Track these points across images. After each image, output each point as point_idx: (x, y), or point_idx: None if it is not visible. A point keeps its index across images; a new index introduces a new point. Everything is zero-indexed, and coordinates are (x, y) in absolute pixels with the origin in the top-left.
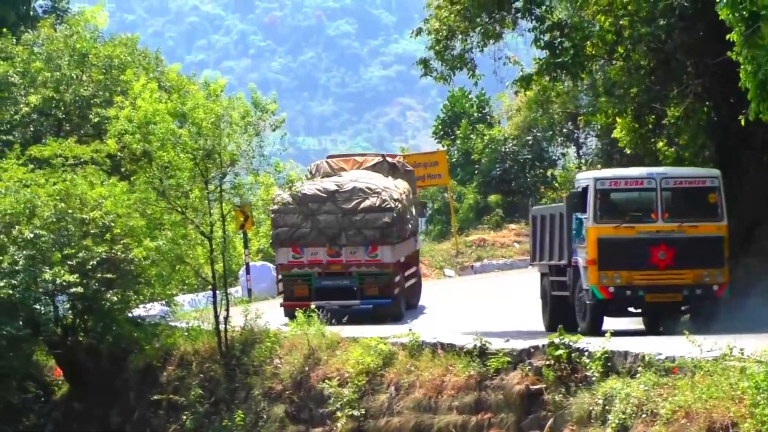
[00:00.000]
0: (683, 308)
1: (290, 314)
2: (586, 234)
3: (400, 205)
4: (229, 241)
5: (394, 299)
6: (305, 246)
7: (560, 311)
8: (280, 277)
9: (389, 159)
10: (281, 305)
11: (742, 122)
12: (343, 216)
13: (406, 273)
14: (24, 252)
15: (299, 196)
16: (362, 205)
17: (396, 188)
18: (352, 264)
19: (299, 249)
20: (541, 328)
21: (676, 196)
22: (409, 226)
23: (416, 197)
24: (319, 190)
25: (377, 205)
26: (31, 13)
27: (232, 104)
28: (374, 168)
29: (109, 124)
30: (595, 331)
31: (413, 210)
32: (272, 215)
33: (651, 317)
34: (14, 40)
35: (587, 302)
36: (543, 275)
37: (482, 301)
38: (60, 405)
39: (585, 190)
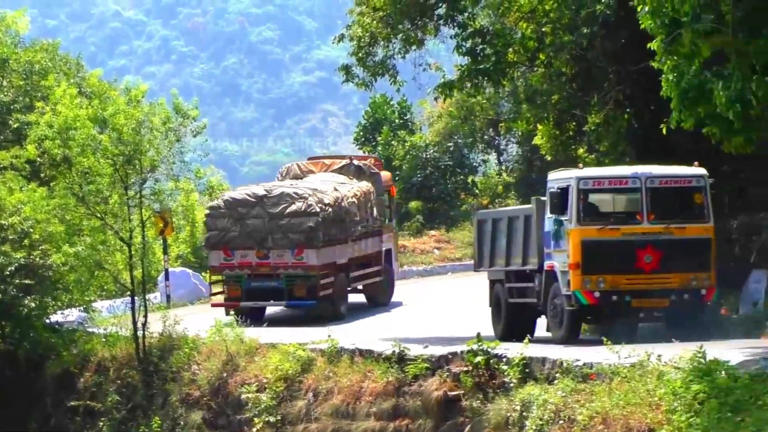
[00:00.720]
0: (656, 314)
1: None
2: (568, 236)
3: (330, 210)
4: (149, 247)
5: (319, 300)
6: (235, 249)
7: (518, 319)
8: (213, 278)
9: (356, 162)
10: (212, 305)
11: (664, 131)
12: (270, 220)
13: (357, 273)
14: None
15: (230, 201)
16: (288, 210)
17: (335, 192)
18: (280, 266)
19: (230, 252)
20: (484, 333)
21: (661, 197)
22: (359, 227)
23: (382, 198)
24: (248, 195)
25: (302, 209)
26: None
27: (153, 110)
28: (341, 170)
29: (29, 129)
30: (574, 338)
31: (374, 210)
32: (205, 219)
33: (633, 323)
34: None
35: (566, 308)
36: (494, 282)
37: (425, 306)
38: None
39: (564, 190)
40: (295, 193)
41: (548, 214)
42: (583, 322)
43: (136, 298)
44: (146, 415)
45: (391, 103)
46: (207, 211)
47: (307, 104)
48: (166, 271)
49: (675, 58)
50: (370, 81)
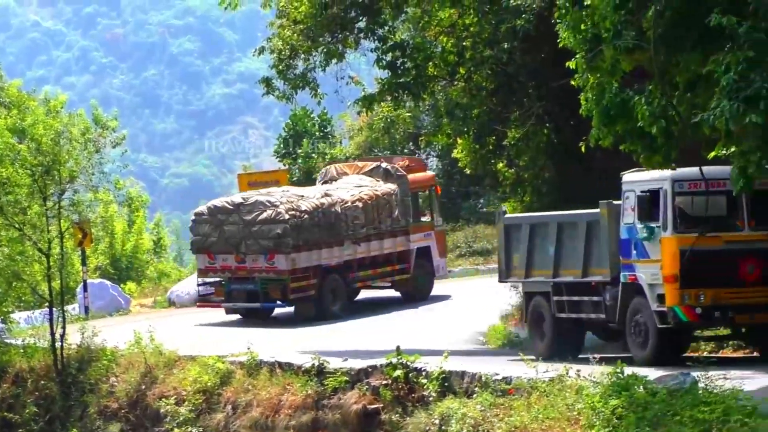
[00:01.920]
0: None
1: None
2: (661, 245)
3: (306, 216)
4: (67, 258)
5: (294, 302)
6: (217, 253)
7: (568, 336)
8: (200, 281)
9: (383, 165)
10: (197, 305)
11: (582, 147)
12: (244, 227)
13: (368, 272)
14: None
15: (212, 208)
16: (260, 217)
17: (324, 198)
18: (255, 270)
19: (213, 256)
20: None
21: (763, 200)
22: (365, 229)
23: (407, 199)
24: (227, 202)
25: (272, 217)
26: None
27: (72, 120)
28: (370, 173)
29: None
30: (664, 360)
31: (394, 211)
32: (190, 224)
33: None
34: None
35: (658, 326)
36: (532, 294)
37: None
38: None
39: (655, 193)
40: (268, 202)
41: (631, 221)
42: (677, 342)
43: (54, 309)
44: (64, 426)
45: (312, 115)
46: (192, 217)
47: (227, 116)
48: (85, 282)
49: (597, 74)
50: (291, 94)
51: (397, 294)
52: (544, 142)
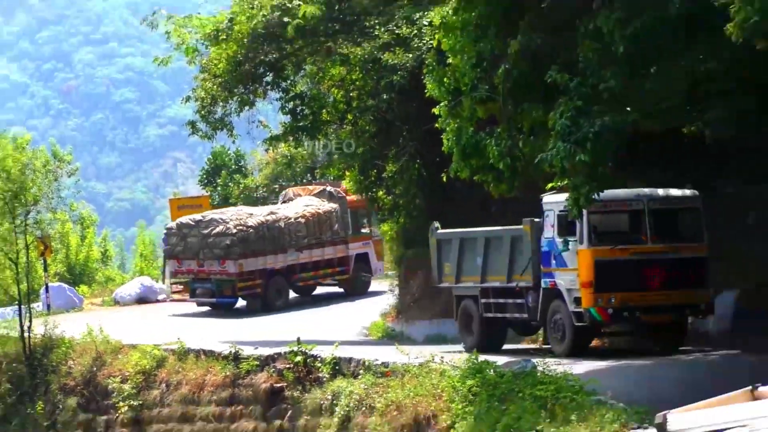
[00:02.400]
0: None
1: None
2: (578, 256)
3: (252, 230)
4: (32, 266)
5: (243, 298)
6: (183, 259)
7: (492, 332)
8: (172, 280)
9: (328, 188)
10: (170, 300)
11: (444, 178)
12: (201, 239)
13: (309, 273)
14: None
15: (180, 224)
16: (213, 231)
17: (269, 215)
18: (211, 273)
19: (180, 261)
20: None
21: (661, 217)
22: (306, 240)
23: (346, 216)
24: (190, 220)
25: (222, 231)
26: None
27: (36, 155)
28: (318, 194)
29: None
30: (578, 352)
31: (335, 225)
32: (163, 236)
33: (642, 337)
34: None
35: (575, 324)
36: (462, 297)
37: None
38: None
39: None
40: (221, 219)
41: (550, 235)
42: (588, 338)
43: (22, 306)
44: (32, 400)
45: (229, 151)
46: (164, 231)
47: (160, 152)
48: (47, 285)
49: (456, 120)
50: (212, 134)
51: (342, 290)
52: (416, 175)
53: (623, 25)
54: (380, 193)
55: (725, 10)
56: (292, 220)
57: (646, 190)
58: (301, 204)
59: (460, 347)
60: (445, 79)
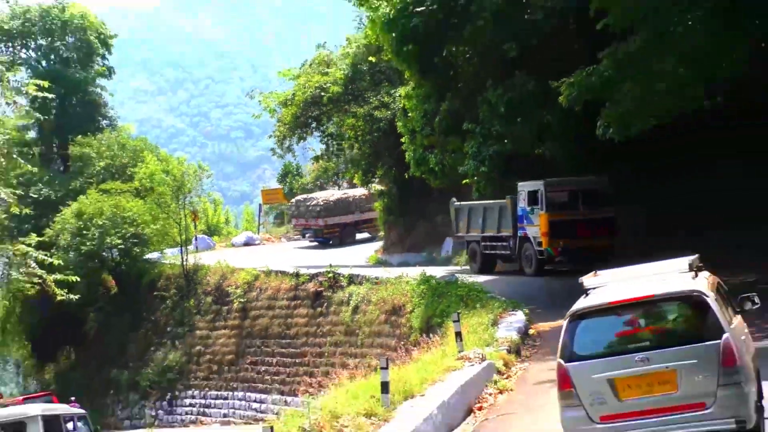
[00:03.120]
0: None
1: None
2: (539, 219)
3: (331, 203)
4: (187, 225)
5: (326, 239)
6: (299, 218)
7: (487, 261)
8: (300, 230)
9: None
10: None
11: (407, 176)
12: (306, 208)
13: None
14: None
15: (297, 200)
16: (311, 204)
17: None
18: (312, 225)
19: (297, 219)
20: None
21: (587, 194)
22: (363, 207)
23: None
24: (301, 198)
25: (315, 204)
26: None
27: (189, 167)
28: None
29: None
30: (540, 272)
31: (368, 202)
32: (289, 205)
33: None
34: None
35: (538, 257)
36: (470, 242)
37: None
38: None
39: (537, 191)
40: (314, 197)
41: (523, 205)
42: (545, 265)
43: (182, 248)
44: (187, 298)
45: (292, 164)
46: (290, 203)
47: (256, 164)
48: (195, 236)
49: (412, 146)
50: (283, 155)
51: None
52: (392, 176)
53: (502, 97)
54: (374, 186)
55: (558, 88)
56: (353, 197)
57: (577, 178)
58: (359, 191)
59: (444, 268)
60: (407, 124)
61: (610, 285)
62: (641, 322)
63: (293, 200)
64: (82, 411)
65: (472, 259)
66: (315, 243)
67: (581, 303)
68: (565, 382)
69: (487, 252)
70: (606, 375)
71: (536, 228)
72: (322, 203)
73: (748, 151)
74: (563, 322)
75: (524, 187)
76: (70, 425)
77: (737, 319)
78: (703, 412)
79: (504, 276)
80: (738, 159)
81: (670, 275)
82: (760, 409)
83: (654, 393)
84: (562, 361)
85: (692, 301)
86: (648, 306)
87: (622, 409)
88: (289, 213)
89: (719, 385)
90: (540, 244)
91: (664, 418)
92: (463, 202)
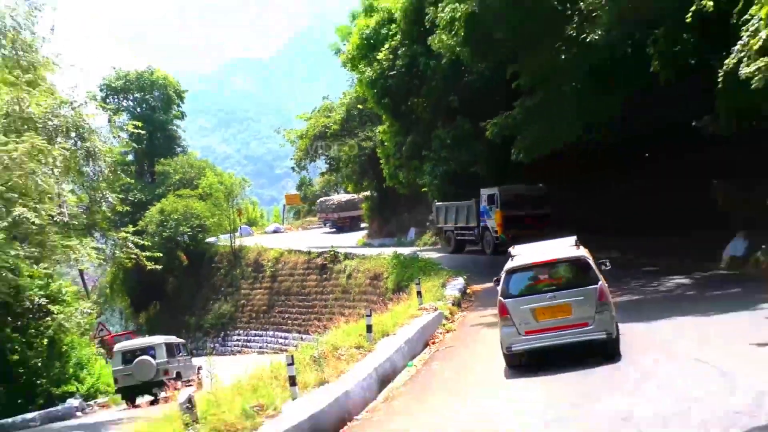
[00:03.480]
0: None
1: None
2: (495, 214)
3: (343, 202)
4: (234, 219)
5: (339, 227)
6: (325, 212)
7: (459, 245)
8: (323, 221)
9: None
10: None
11: (384, 186)
12: (327, 206)
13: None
14: None
15: (321, 201)
16: (329, 203)
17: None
18: (331, 218)
19: (324, 214)
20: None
21: (531, 197)
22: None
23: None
24: (326, 199)
25: (332, 203)
26: None
27: (236, 179)
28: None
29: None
30: (496, 252)
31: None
32: (317, 206)
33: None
34: None
35: (495, 242)
36: (446, 231)
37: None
38: None
39: (494, 194)
40: (332, 198)
41: (484, 204)
42: (500, 248)
43: (232, 234)
44: (235, 269)
45: (306, 177)
46: (317, 203)
47: (281, 179)
48: (240, 227)
49: (388, 166)
50: (300, 171)
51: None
52: (374, 187)
53: (448, 134)
54: (362, 193)
55: (486, 127)
56: (357, 199)
57: (524, 186)
58: (358, 195)
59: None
60: (384, 151)
61: (525, 253)
62: (549, 274)
63: (318, 201)
64: (182, 340)
65: (448, 243)
66: (333, 229)
67: (511, 264)
68: (503, 311)
69: (459, 238)
70: (529, 306)
71: (493, 221)
72: (336, 202)
73: (630, 170)
74: (501, 276)
75: (485, 192)
76: (180, 348)
77: (602, 276)
78: (587, 328)
79: (470, 255)
80: (623, 176)
81: (564, 247)
82: (617, 328)
83: (557, 317)
84: (502, 299)
85: (580, 263)
86: (553, 265)
87: (538, 326)
88: (316, 209)
89: (596, 312)
90: (496, 232)
91: (563, 332)
92: (442, 203)
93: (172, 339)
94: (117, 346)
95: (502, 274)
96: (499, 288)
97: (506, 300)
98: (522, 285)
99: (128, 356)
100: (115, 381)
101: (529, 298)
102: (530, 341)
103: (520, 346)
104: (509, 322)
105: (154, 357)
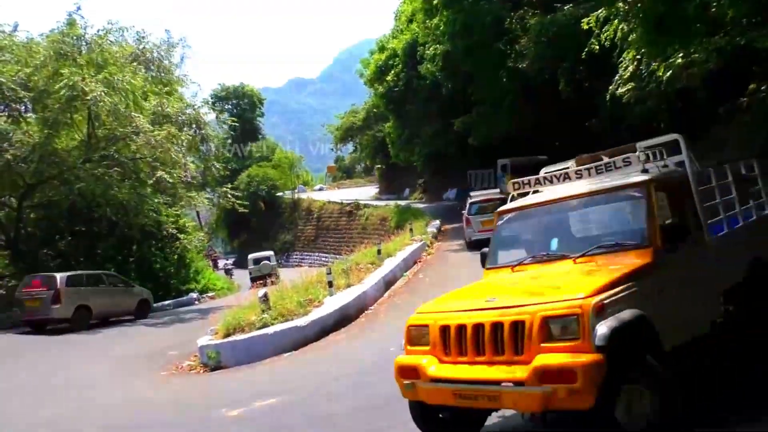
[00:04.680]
0: None
1: None
2: (507, 178)
3: None
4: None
5: None
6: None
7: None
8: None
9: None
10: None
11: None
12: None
13: None
14: None
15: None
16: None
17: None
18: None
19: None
20: None
21: (534, 165)
22: None
23: None
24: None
25: None
26: None
27: (297, 156)
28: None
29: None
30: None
31: None
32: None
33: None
34: None
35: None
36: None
37: None
38: None
39: (505, 164)
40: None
41: (501, 171)
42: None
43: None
44: (294, 213)
45: (342, 157)
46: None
47: (327, 159)
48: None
49: (394, 149)
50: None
51: None
52: (384, 162)
53: (431, 129)
54: (377, 166)
55: (455, 123)
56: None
57: (530, 157)
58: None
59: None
60: (390, 139)
61: (478, 195)
62: (488, 204)
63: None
64: (271, 252)
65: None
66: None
67: (470, 200)
68: (467, 222)
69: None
70: (479, 218)
71: (505, 184)
72: None
73: (545, 153)
74: (466, 204)
75: (500, 162)
76: (272, 258)
77: None
78: None
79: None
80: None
81: (495, 193)
82: None
83: (490, 224)
84: (467, 215)
85: (502, 197)
86: (489, 200)
87: (482, 229)
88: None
89: None
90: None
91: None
92: (472, 170)
93: (272, 253)
94: (250, 256)
95: (467, 204)
96: (465, 211)
97: (470, 216)
98: (475, 209)
99: (256, 261)
100: (249, 273)
101: (480, 216)
102: (478, 235)
103: (474, 237)
104: (471, 226)
105: (269, 261)
